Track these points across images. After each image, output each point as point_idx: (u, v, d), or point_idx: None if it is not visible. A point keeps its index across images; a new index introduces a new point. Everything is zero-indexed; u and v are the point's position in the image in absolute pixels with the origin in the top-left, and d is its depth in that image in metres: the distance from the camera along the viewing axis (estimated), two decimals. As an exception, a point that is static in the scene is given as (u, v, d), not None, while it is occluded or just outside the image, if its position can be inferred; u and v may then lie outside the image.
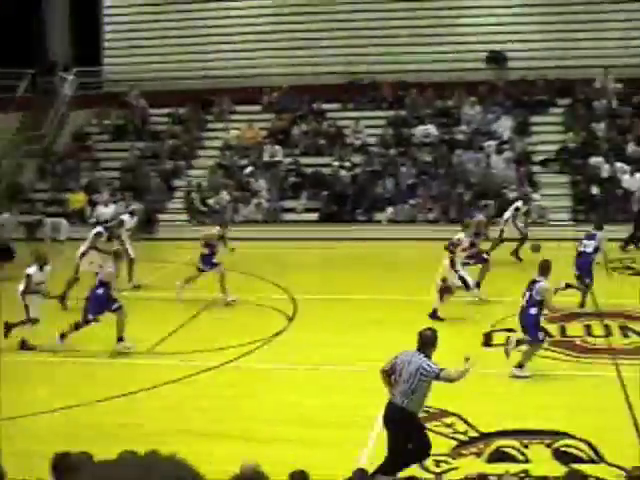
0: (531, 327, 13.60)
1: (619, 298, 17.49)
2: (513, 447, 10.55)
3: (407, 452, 9.72)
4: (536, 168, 27.78)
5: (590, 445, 10.56)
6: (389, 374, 9.84)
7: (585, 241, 17.64)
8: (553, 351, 14.55)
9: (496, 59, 30.60)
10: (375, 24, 31.50)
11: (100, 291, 15.07)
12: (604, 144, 27.69)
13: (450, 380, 9.67)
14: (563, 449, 10.49)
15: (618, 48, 29.97)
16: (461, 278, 16.97)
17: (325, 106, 30.83)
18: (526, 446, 10.57)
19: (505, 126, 28.81)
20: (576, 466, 9.63)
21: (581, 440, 10.67)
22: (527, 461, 10.25)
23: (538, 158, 28.12)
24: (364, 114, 30.27)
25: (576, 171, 27.13)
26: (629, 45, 29.95)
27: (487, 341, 15.36)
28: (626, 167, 26.48)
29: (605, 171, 26.58)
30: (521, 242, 21.76)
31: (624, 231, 23.34)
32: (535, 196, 25.97)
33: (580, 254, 17.47)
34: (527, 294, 13.70)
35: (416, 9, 31.55)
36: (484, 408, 11.87)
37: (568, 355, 14.37)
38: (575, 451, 10.45)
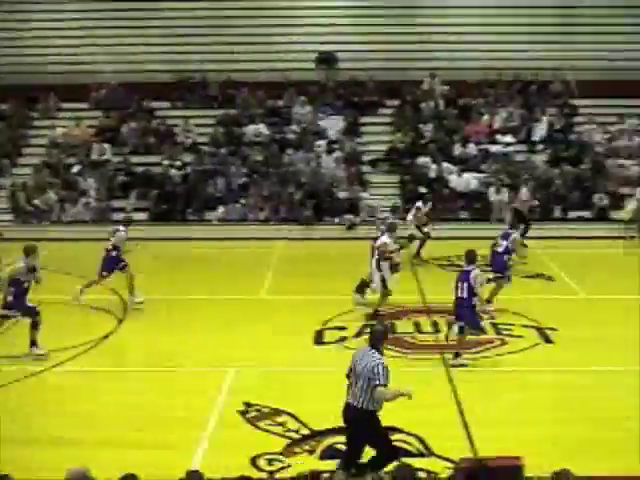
0: (470, 317, 14.08)
1: (447, 295, 17.89)
2: (345, 443, 10.57)
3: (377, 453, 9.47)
4: (366, 168, 28.20)
5: (419, 439, 10.71)
6: (349, 376, 9.65)
7: (500, 240, 17.86)
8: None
9: (326, 60, 30.86)
10: (204, 22, 31.21)
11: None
12: (431, 145, 28.36)
13: (382, 398, 9.26)
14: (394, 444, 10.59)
15: (444, 51, 30.78)
16: (382, 280, 16.91)
17: (154, 104, 30.33)
18: (357, 442, 10.61)
19: (335, 126, 29.11)
20: (406, 459, 9.72)
21: (410, 434, 10.81)
22: (358, 457, 10.29)
23: (368, 158, 28.55)
24: (194, 113, 29.96)
25: (404, 171, 27.68)
26: (455, 49, 30.79)
27: (318, 339, 15.41)
28: (453, 167, 27.21)
29: (433, 171, 27.22)
30: (423, 242, 22.14)
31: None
32: (364, 195, 26.41)
33: (494, 253, 17.81)
34: (463, 285, 14.05)
35: (248, 8, 31.43)
36: (316, 406, 11.86)
37: (397, 352, 14.55)
38: (405, 445, 10.57)
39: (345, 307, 17.09)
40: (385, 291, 16.92)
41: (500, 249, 17.67)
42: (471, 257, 14.33)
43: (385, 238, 17.21)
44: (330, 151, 28.01)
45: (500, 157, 27.91)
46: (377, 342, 9.53)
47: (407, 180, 27.32)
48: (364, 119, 29.89)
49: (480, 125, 29.21)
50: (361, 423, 9.38)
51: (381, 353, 9.46)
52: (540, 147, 28.59)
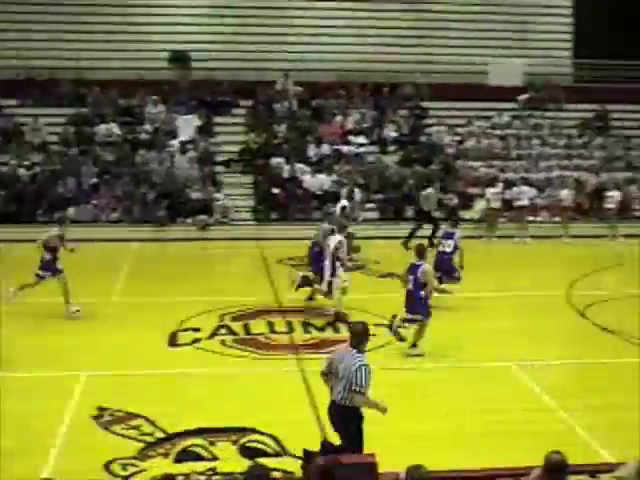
0: (420, 308, 14.35)
1: (301, 294, 17.99)
2: (200, 445, 10.48)
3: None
4: (219, 168, 28.11)
5: (275, 439, 10.73)
6: (327, 374, 9.55)
7: (444, 240, 17.88)
8: (237, 349, 14.69)
9: (179, 59, 30.60)
10: (55, 18, 30.54)
11: None
12: (285, 145, 28.50)
13: (359, 404, 9.25)
14: (249, 444, 10.57)
15: (298, 52, 31.01)
16: (329, 283, 16.71)
17: (2, 102, 29.39)
18: (213, 444, 10.56)
19: (189, 126, 28.89)
20: (261, 460, 9.72)
21: (266, 435, 10.81)
22: (214, 458, 10.23)
23: (221, 158, 28.46)
24: (43, 111, 29.17)
25: (258, 171, 27.71)
26: (309, 50, 31.06)
27: (172, 341, 15.24)
28: (306, 168, 27.42)
29: (286, 172, 27.35)
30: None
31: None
32: (218, 195, 26.31)
33: (440, 253, 17.77)
34: (411, 278, 14.35)
35: (100, 4, 30.87)
36: (170, 408, 11.72)
37: (252, 352, 14.53)
38: (261, 446, 10.56)
39: (200, 308, 16.97)
40: (341, 290, 16.73)
41: (448, 249, 17.72)
42: (420, 251, 14.69)
43: (339, 237, 16.98)
44: (183, 151, 27.79)
45: (353, 158, 28.31)
46: (358, 342, 9.46)
47: (261, 180, 27.37)
48: (218, 119, 29.79)
49: (333, 126, 29.54)
50: (344, 420, 9.34)
51: (362, 352, 9.41)
52: (392, 148, 29.16)
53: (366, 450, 9.01)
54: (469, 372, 13.73)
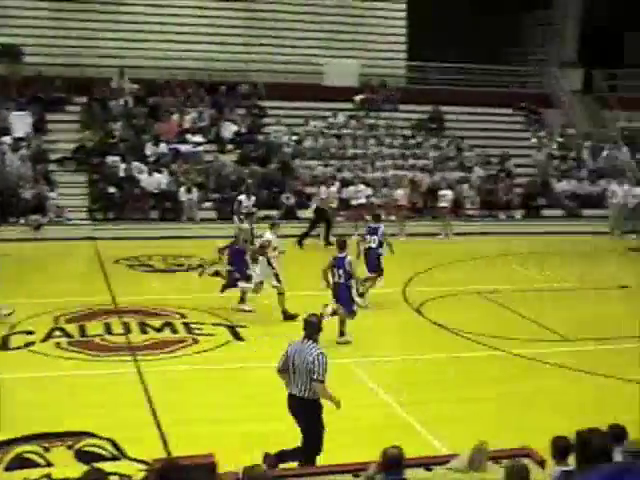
0: (347, 300, 15.16)
1: (138, 295, 17.75)
2: (34, 452, 10.18)
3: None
4: (53, 166, 27.32)
5: (113, 442, 10.51)
6: (283, 370, 9.62)
7: (369, 236, 18.06)
8: (73, 351, 14.35)
9: (9, 53, 29.60)
10: None
11: None
12: (121, 144, 28.00)
13: (318, 393, 9.43)
14: (85, 449, 10.33)
15: (134, 49, 30.55)
16: (276, 275, 16.93)
17: None
18: (47, 449, 10.26)
19: (22, 123, 27.96)
20: (98, 464, 9.51)
21: (103, 438, 10.59)
22: (49, 465, 9.95)
23: (55, 156, 27.68)
24: None
25: (93, 170, 27.11)
26: (145, 47, 30.67)
27: (4, 344, 14.74)
28: (143, 167, 27.01)
29: (122, 170, 26.86)
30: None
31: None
32: (52, 194, 25.61)
33: (368, 250, 17.97)
34: (338, 271, 15.13)
35: None
36: (2, 414, 11.33)
37: (88, 355, 14.22)
38: (97, 450, 10.33)
39: (33, 310, 16.47)
40: (280, 287, 16.79)
41: (374, 245, 17.94)
42: (342, 244, 15.47)
43: (269, 235, 17.35)
44: (15, 148, 26.86)
45: (190, 156, 28.09)
46: (312, 332, 9.63)
47: (96, 179, 26.79)
48: (51, 116, 28.95)
49: (170, 124, 29.23)
50: (306, 412, 9.49)
51: (316, 343, 9.56)
52: (229, 147, 29.09)
53: (205, 450, 8.94)
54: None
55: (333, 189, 26.12)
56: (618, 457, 6.75)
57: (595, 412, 11.25)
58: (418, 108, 32.23)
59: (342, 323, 15.25)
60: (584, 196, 29.65)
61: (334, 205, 26.01)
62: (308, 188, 27.63)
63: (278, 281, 16.92)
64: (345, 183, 27.18)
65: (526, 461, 7.61)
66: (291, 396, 9.58)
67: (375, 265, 18.02)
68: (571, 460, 6.98)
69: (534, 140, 32.34)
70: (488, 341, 15.58)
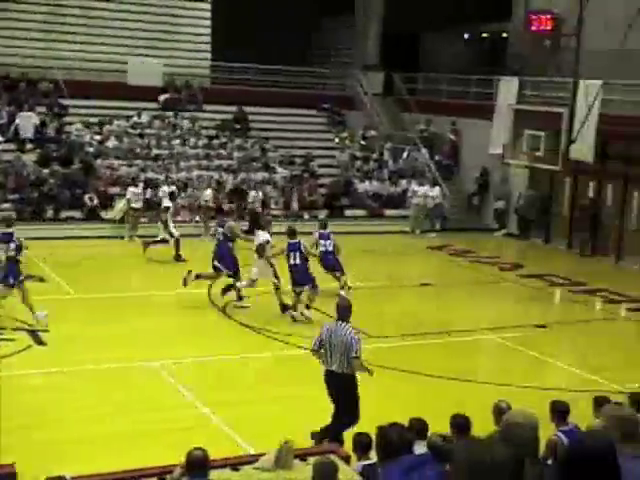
0: (308, 278, 17.21)
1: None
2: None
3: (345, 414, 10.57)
4: None
5: None
6: (318, 350, 10.83)
7: (322, 241, 18.95)
8: None
9: None
10: None
11: None
12: None
13: (357, 369, 10.62)
14: None
15: None
16: (274, 272, 17.92)
17: None
18: None
19: None
20: None
21: None
22: None
23: None
24: None
25: None
26: None
27: None
28: None
29: None
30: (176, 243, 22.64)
31: None
32: None
33: (323, 253, 18.90)
34: (295, 254, 17.13)
35: None
36: None
37: None
38: None
39: None
40: (277, 283, 17.91)
41: (330, 248, 18.87)
42: (293, 231, 17.62)
43: (266, 235, 18.14)
44: None
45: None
46: (346, 315, 10.87)
47: None
48: None
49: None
50: (344, 385, 10.58)
51: (349, 324, 10.80)
52: (30, 146, 28.17)
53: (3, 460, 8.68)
54: (111, 373, 13.65)
55: (136, 190, 25.81)
56: (420, 450, 7.03)
57: (399, 406, 11.64)
58: (222, 108, 32.25)
59: (311, 301, 17.22)
60: (386, 196, 30.51)
61: (137, 206, 25.63)
62: (111, 188, 27.14)
63: (277, 278, 17.87)
64: (149, 184, 26.83)
65: (332, 457, 7.79)
66: (330, 373, 10.67)
67: (332, 266, 19.05)
68: (373, 454, 7.22)
69: (337, 141, 33.02)
70: (294, 340, 15.82)
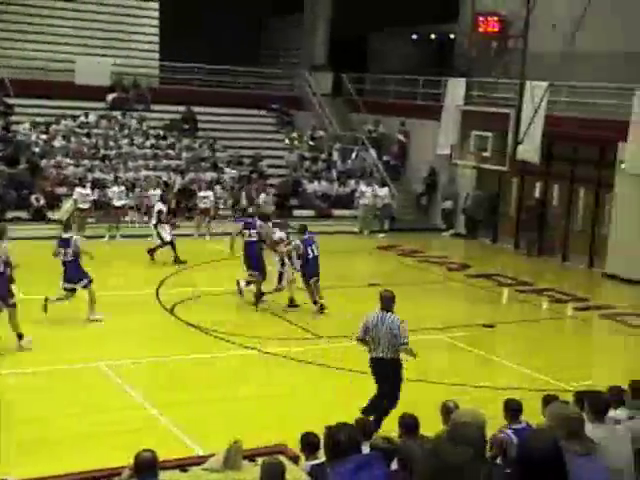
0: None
1: None
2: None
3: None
4: None
5: None
6: (363, 339, 11.60)
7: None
8: None
9: None
10: None
11: None
12: None
13: (407, 352, 11.37)
14: None
15: None
16: (280, 273, 18.49)
17: None
18: None
19: None
20: None
21: None
22: None
23: None
24: None
25: None
26: None
27: None
28: None
29: None
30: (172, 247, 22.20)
31: None
32: None
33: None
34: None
35: None
36: None
37: None
38: None
39: None
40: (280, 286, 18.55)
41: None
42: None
43: (281, 234, 18.70)
44: None
45: None
46: (390, 306, 11.57)
47: None
48: None
49: None
50: (390, 371, 11.42)
51: (393, 312, 11.51)
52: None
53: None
54: (57, 375, 13.50)
55: (83, 190, 25.53)
56: (367, 450, 7.04)
57: (347, 406, 11.66)
58: (171, 108, 32.08)
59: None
60: (334, 197, 30.56)
61: (85, 206, 25.38)
62: (58, 189, 26.84)
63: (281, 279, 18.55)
64: (97, 184, 26.56)
65: (281, 458, 7.78)
66: (377, 359, 11.44)
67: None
68: (321, 454, 7.22)
69: (287, 142, 33.00)
70: (242, 340, 15.79)
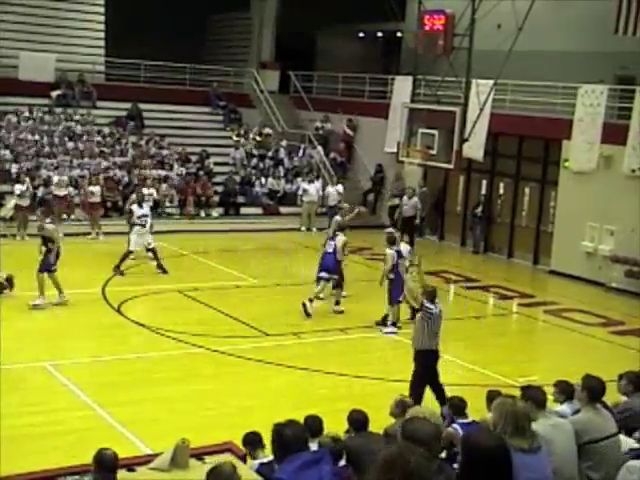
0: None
1: None
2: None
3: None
4: None
5: None
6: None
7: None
8: None
9: None
10: None
11: None
12: None
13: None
14: None
15: None
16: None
17: None
18: None
19: None
20: None
21: None
22: None
23: None
24: None
25: None
26: None
27: None
28: None
29: None
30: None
31: None
32: None
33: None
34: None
35: None
36: None
37: None
38: None
39: None
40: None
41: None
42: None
43: (344, 237, 18.69)
44: None
45: None
46: (433, 299, 12.27)
47: None
48: None
49: None
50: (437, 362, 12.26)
51: None
52: None
53: None
54: (1, 374, 13.31)
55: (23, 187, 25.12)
56: (314, 447, 7.04)
57: (296, 404, 11.67)
58: (117, 105, 31.79)
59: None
60: (281, 194, 30.52)
61: (24, 203, 24.87)
62: (2, 186, 26.44)
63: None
64: (42, 181, 26.23)
65: (229, 456, 7.76)
66: (433, 352, 12.16)
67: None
68: (268, 452, 7.22)
69: (234, 139, 32.87)
70: (189, 339, 15.73)
